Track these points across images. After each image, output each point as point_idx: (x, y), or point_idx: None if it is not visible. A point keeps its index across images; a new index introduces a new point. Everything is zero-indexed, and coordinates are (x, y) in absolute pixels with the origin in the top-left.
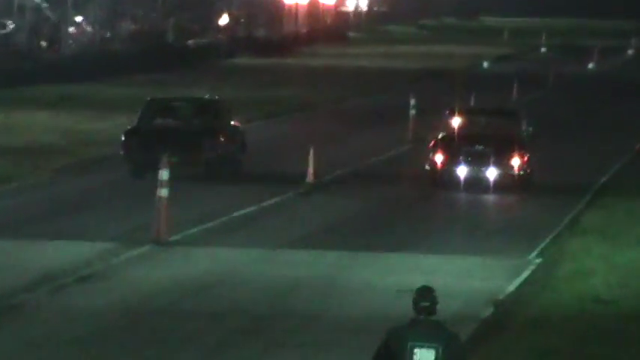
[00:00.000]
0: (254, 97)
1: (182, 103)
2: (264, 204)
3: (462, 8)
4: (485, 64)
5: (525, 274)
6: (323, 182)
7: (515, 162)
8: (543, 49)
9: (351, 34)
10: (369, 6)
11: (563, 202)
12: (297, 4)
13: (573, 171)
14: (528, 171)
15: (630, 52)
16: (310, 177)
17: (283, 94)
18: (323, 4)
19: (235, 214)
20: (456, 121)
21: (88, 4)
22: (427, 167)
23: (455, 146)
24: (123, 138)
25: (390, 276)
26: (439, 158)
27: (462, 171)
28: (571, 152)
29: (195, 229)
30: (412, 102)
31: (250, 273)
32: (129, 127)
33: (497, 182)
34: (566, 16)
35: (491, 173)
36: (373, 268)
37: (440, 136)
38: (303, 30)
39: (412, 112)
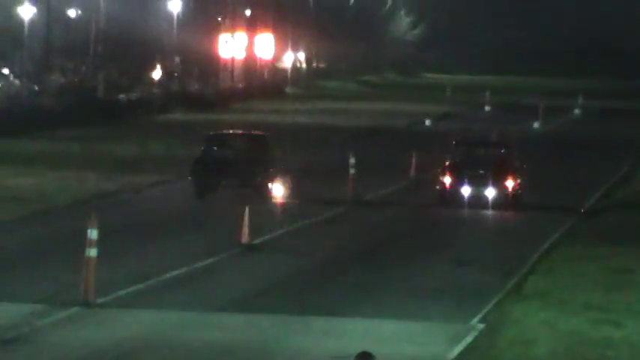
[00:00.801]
0: (187, 153)
1: (236, 137)
2: (198, 264)
3: (405, 65)
4: (428, 122)
5: (467, 341)
6: (258, 243)
7: (510, 183)
8: (487, 108)
9: (289, 89)
10: (308, 62)
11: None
12: (233, 58)
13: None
14: (519, 192)
15: (577, 111)
16: (245, 237)
17: None
18: (260, 59)
19: (168, 274)
20: (460, 151)
21: (15, 56)
22: (437, 187)
23: (460, 170)
24: (191, 166)
25: (326, 341)
26: (447, 180)
27: (465, 190)
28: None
29: (125, 291)
30: (352, 160)
31: (180, 337)
32: (196, 157)
33: (494, 200)
34: (511, 74)
35: (490, 192)
36: (308, 332)
37: (447, 162)
38: (240, 85)
39: (352, 170)
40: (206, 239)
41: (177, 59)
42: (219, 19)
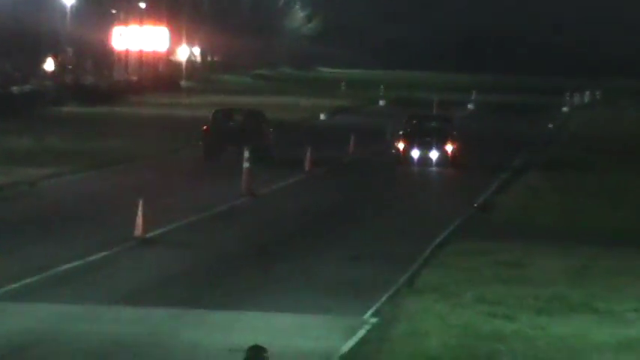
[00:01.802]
0: (82, 147)
1: (237, 111)
2: (91, 258)
3: (299, 59)
4: (323, 116)
5: (360, 334)
6: (152, 236)
7: (449, 148)
8: (382, 102)
9: (184, 83)
10: (203, 55)
11: (400, 267)
12: (127, 51)
13: (405, 237)
14: (457, 154)
15: (470, 106)
16: (139, 230)
17: (112, 145)
18: (154, 52)
19: (61, 267)
20: (411, 123)
21: None
22: (393, 151)
23: (411, 138)
24: (201, 134)
25: (220, 334)
26: (401, 145)
27: (415, 153)
28: (406, 212)
29: (16, 284)
30: (246, 154)
31: (72, 331)
32: (204, 127)
33: (437, 160)
34: (405, 69)
35: (434, 154)
36: (202, 325)
37: (401, 132)
38: (134, 78)
39: (246, 164)
40: (100, 232)
41: (70, 51)
42: (114, 11)
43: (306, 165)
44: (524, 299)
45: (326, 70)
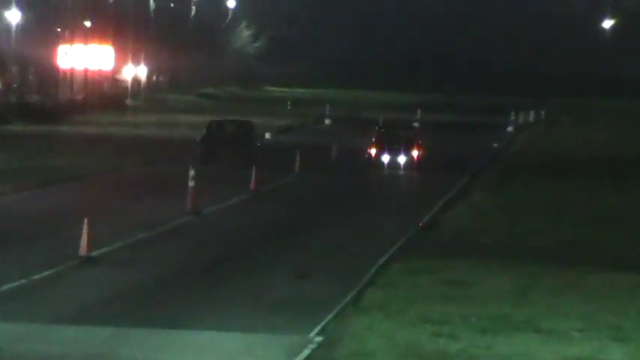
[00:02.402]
0: (27, 165)
1: (229, 122)
2: (34, 277)
3: (245, 78)
4: (268, 136)
5: (305, 353)
6: (97, 255)
7: (415, 153)
8: (327, 121)
9: (129, 102)
10: (148, 74)
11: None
12: (72, 69)
13: (352, 255)
14: (421, 159)
15: (416, 125)
16: (84, 249)
17: (57, 163)
18: (100, 71)
19: (3, 287)
20: (382, 131)
21: None
22: (366, 156)
23: (382, 144)
24: (199, 141)
25: (164, 354)
26: (373, 151)
27: (385, 158)
28: (351, 231)
29: None
30: (191, 173)
31: (13, 351)
32: (201, 136)
33: (405, 164)
34: (351, 88)
35: (402, 159)
36: (146, 345)
37: (373, 139)
38: (79, 97)
39: (191, 183)
40: (45, 251)
41: (15, 70)
42: (59, 29)
43: (252, 183)
44: (468, 318)
45: (272, 89)
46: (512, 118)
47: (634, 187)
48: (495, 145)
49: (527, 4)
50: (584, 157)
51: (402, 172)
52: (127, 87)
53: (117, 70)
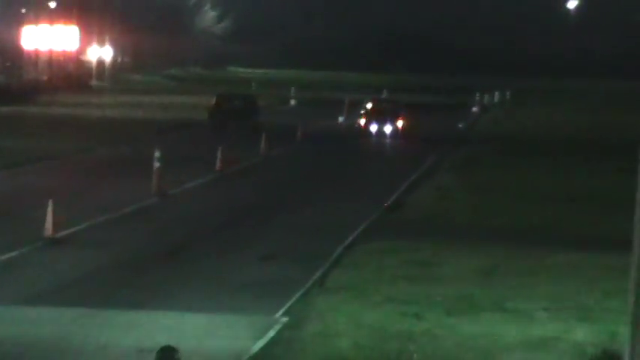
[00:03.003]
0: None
1: (235, 96)
2: (0, 258)
3: (210, 59)
4: None
5: (271, 334)
6: (63, 236)
7: (399, 123)
8: (293, 102)
9: (94, 83)
10: (113, 55)
11: (312, 266)
12: (37, 50)
13: (317, 236)
14: (406, 128)
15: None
16: (49, 230)
17: (24, 144)
18: (64, 52)
19: None
20: (370, 105)
21: None
22: (356, 125)
23: (370, 116)
24: (208, 112)
25: (131, 335)
26: (363, 121)
27: (373, 127)
28: (316, 213)
29: None
30: (157, 154)
31: None
32: (211, 108)
33: (391, 133)
34: (318, 69)
35: (388, 128)
36: (112, 326)
37: (363, 111)
38: (44, 78)
39: (156, 164)
40: (10, 232)
41: None
42: (23, 10)
43: (218, 164)
44: (433, 298)
45: (237, 70)
46: (478, 98)
47: (598, 168)
48: (460, 125)
49: None
50: (550, 137)
51: (388, 140)
52: (92, 68)
53: (81, 50)
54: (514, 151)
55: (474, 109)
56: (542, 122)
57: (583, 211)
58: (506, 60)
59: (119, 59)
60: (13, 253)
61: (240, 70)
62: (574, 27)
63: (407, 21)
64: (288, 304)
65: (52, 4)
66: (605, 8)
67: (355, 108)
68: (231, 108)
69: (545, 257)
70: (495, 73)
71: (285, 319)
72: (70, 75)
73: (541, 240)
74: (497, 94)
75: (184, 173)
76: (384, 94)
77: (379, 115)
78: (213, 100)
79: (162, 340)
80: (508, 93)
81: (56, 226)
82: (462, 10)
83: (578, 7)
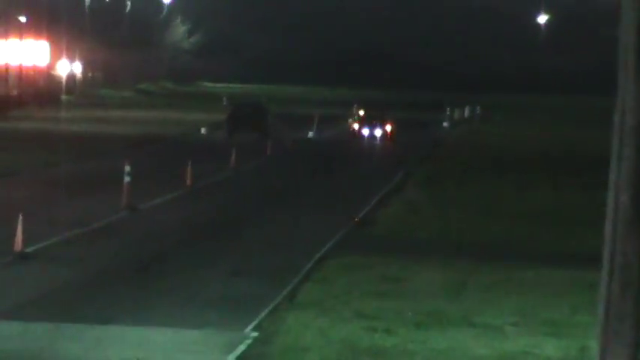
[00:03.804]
0: None
1: (249, 104)
2: None
3: (181, 73)
4: (203, 131)
5: (241, 349)
6: (32, 251)
7: (388, 128)
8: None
9: (65, 97)
10: (84, 69)
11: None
12: (7, 65)
13: (285, 251)
14: (394, 133)
15: (351, 120)
16: (18, 245)
17: None
18: (35, 67)
19: None
20: (361, 112)
21: None
22: (350, 130)
23: (362, 121)
24: (225, 119)
25: (100, 349)
26: (356, 126)
27: (365, 131)
28: (286, 228)
29: None
30: (127, 168)
31: None
32: (228, 115)
33: (380, 136)
34: (287, 84)
35: (378, 132)
36: (81, 341)
37: (356, 117)
38: (14, 92)
39: (126, 178)
40: None
41: None
42: None
43: (188, 179)
44: (403, 313)
45: (208, 85)
46: (448, 113)
47: (566, 183)
48: (431, 140)
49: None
50: (518, 153)
51: (378, 143)
52: (62, 82)
53: (52, 65)
54: (483, 166)
55: (445, 124)
56: (512, 138)
57: (550, 227)
58: (476, 76)
59: (90, 74)
60: None
61: (210, 84)
62: (544, 42)
63: (377, 36)
64: (258, 320)
65: (22, 19)
66: (574, 24)
67: (324, 123)
68: (242, 115)
69: (513, 272)
70: (465, 89)
71: (255, 334)
72: (40, 90)
73: (509, 255)
74: (467, 109)
75: (154, 188)
76: (354, 110)
77: (370, 121)
78: (229, 110)
79: (131, 355)
80: (478, 108)
81: (25, 240)
82: (435, 25)
83: (547, 23)
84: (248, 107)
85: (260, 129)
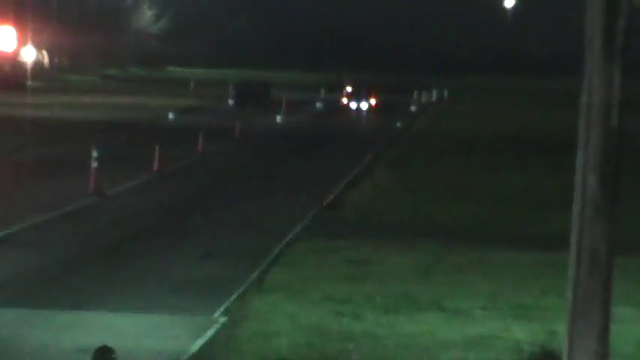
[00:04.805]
0: None
1: (252, 82)
2: None
3: (148, 58)
4: (171, 116)
5: (209, 334)
6: (1, 236)
7: (372, 101)
8: (231, 102)
9: (31, 83)
10: (50, 55)
11: (250, 264)
12: None
13: (256, 233)
14: (378, 104)
15: (319, 104)
16: None
17: None
18: (1, 52)
19: None
20: (349, 88)
21: None
22: (340, 103)
23: (351, 95)
24: (234, 94)
25: (69, 335)
26: (345, 100)
27: (353, 104)
28: (255, 213)
29: None
30: (94, 154)
31: None
32: (234, 92)
33: (366, 108)
34: (254, 68)
35: (364, 105)
36: (50, 326)
37: (345, 92)
38: None
39: (94, 164)
40: None
41: None
42: None
43: (155, 164)
44: (372, 297)
45: (175, 70)
46: (416, 97)
47: (535, 166)
48: (398, 124)
49: None
50: (487, 135)
51: (364, 114)
52: (27, 68)
53: (18, 50)
54: (451, 149)
55: (412, 107)
56: (480, 120)
57: (519, 210)
58: (444, 58)
59: (57, 59)
60: None
61: (178, 69)
62: (511, 25)
63: (346, 20)
64: (226, 304)
65: None
66: (541, 6)
67: (292, 107)
68: (247, 91)
69: (483, 255)
70: (432, 71)
71: (223, 319)
72: (6, 75)
73: (477, 238)
74: (435, 92)
75: (122, 173)
76: (322, 94)
77: (357, 95)
78: (232, 87)
79: (100, 340)
80: (445, 91)
81: None
82: (403, 9)
83: (515, 6)
84: (254, 84)
85: (264, 103)
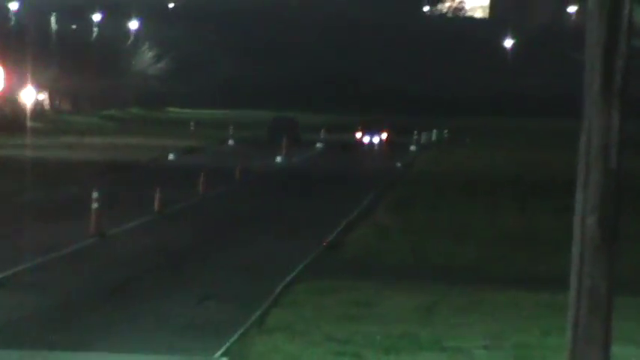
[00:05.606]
0: None
1: (285, 118)
2: None
3: (149, 99)
4: (171, 157)
5: None
6: (1, 278)
7: (384, 135)
8: (230, 142)
9: (31, 124)
10: (50, 96)
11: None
12: None
13: (257, 275)
14: (390, 140)
15: (319, 145)
16: None
17: None
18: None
19: None
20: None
21: None
22: (356, 137)
23: (364, 130)
24: (266, 130)
25: None
26: (359, 135)
27: (366, 139)
28: (255, 254)
29: None
30: (95, 195)
31: None
32: (268, 126)
33: (378, 143)
34: (254, 109)
35: (376, 140)
36: None
37: (359, 128)
38: None
39: (95, 205)
40: None
41: None
42: None
43: (156, 205)
44: (371, 337)
45: (175, 110)
46: (415, 137)
47: (536, 207)
48: (398, 164)
49: (437, 25)
50: (487, 176)
51: (376, 148)
52: (26, 109)
53: (17, 91)
54: (452, 189)
55: (412, 147)
56: (481, 161)
57: (520, 250)
58: (444, 99)
59: (57, 101)
60: None
61: (179, 110)
62: (511, 66)
63: (344, 62)
64: (227, 345)
65: None
66: (542, 47)
67: (293, 148)
68: (279, 127)
69: (484, 295)
70: (432, 113)
71: (224, 359)
72: (5, 116)
73: (480, 278)
74: (435, 132)
75: (123, 214)
76: (321, 134)
77: (371, 130)
78: (269, 123)
79: None
80: (446, 132)
81: None
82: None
83: (515, 47)
84: (284, 120)
85: (295, 138)
